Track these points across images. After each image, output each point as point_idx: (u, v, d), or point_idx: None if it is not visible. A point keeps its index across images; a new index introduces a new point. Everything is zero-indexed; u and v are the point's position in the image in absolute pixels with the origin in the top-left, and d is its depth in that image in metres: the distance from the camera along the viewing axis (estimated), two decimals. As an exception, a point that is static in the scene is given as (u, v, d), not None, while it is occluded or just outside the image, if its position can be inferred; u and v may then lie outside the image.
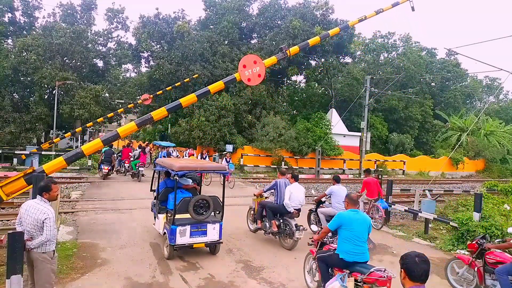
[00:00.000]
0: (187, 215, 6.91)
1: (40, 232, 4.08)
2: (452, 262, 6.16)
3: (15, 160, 20.21)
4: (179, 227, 6.67)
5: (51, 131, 25.36)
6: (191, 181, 8.46)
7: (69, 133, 22.11)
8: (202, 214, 6.89)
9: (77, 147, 32.01)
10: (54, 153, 20.89)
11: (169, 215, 7.05)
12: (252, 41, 33.18)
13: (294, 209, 7.98)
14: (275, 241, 8.16)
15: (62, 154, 7.00)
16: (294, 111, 34.05)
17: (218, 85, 8.01)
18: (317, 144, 26.51)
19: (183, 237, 6.70)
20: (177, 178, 6.95)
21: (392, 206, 10.98)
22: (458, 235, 8.69)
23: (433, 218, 9.64)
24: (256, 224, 8.74)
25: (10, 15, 28.25)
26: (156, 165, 8.24)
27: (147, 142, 30.54)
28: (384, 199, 10.78)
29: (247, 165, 24.82)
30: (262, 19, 30.62)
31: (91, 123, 19.30)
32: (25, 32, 27.95)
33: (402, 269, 2.62)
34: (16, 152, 20.69)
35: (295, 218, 7.97)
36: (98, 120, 20.13)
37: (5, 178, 13.12)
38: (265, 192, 8.92)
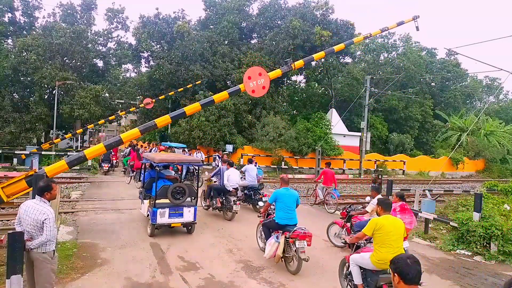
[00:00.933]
0: (167, 200, 8.09)
1: (40, 232, 4.08)
2: (331, 226, 8.33)
3: (15, 160, 20.21)
4: (159, 210, 7.91)
5: (51, 131, 25.34)
6: (173, 172, 10.14)
7: (69, 134, 22.12)
8: (179, 199, 8.16)
9: (77, 147, 32.08)
10: (54, 153, 20.89)
11: (152, 200, 8.17)
12: (252, 41, 33.19)
13: (233, 188, 10.32)
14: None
15: (62, 155, 7.09)
16: (294, 111, 34.06)
17: (223, 95, 8.11)
18: (317, 144, 26.52)
19: (163, 217, 7.97)
20: (157, 169, 8.47)
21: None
22: (458, 235, 8.68)
23: (433, 218, 9.64)
24: (206, 202, 10.90)
25: (10, 15, 28.23)
26: (143, 158, 9.69)
27: (147, 142, 30.55)
28: (337, 189, 12.67)
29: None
30: (262, 19, 30.62)
31: (92, 125, 19.31)
32: (25, 32, 27.93)
33: (395, 274, 2.57)
34: (16, 152, 20.69)
35: (233, 195, 10.23)
36: (99, 122, 20.15)
37: (5, 178, 13.17)
38: (212, 177, 11.12)
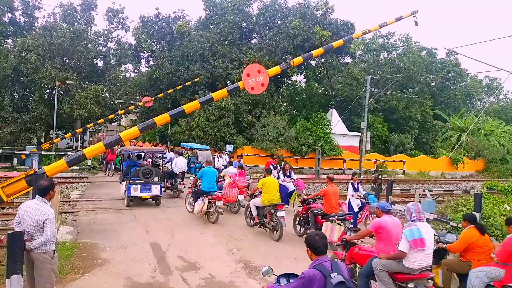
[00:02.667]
0: (141, 180, 10.96)
1: (40, 232, 4.07)
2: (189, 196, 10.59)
3: (15, 160, 20.19)
4: (133, 186, 10.80)
5: (51, 131, 25.31)
6: (145, 162, 13.41)
7: (69, 134, 22.08)
8: (147, 178, 11.04)
9: (77, 147, 32.03)
10: (54, 153, 20.89)
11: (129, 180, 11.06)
12: (252, 41, 33.18)
13: (179, 172, 13.22)
14: (275, 242, 8.20)
15: (62, 154, 7.11)
16: (294, 111, 34.05)
17: (222, 92, 8.07)
18: (317, 144, 26.51)
19: (136, 192, 10.78)
20: (131, 157, 12.08)
21: (392, 206, 10.98)
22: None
23: (433, 218, 9.63)
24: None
25: (10, 15, 28.18)
26: (122, 151, 13.07)
27: (146, 142, 30.53)
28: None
29: (247, 165, 24.78)
30: (262, 19, 30.61)
31: (91, 124, 19.29)
32: (25, 32, 27.89)
33: (308, 248, 3.18)
34: (16, 152, 20.66)
35: (180, 177, 13.24)
36: (98, 121, 20.11)
37: (5, 178, 13.17)
38: (165, 164, 14.03)
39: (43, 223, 4.05)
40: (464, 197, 13.69)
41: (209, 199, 9.45)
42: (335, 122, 28.69)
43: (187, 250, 7.31)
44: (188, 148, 19.63)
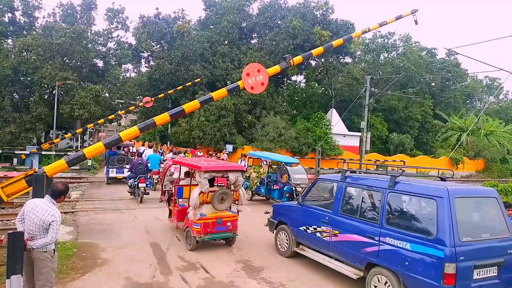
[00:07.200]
0: (116, 165, 15.30)
1: (44, 233, 4.07)
2: None
3: (15, 160, 20.22)
4: (110, 169, 15.32)
5: (51, 131, 25.33)
6: (123, 151, 16.77)
7: (69, 134, 22.09)
8: (121, 164, 15.28)
9: (77, 147, 32.05)
10: (54, 153, 20.90)
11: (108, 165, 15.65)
12: (252, 41, 33.16)
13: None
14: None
15: (62, 154, 7.13)
16: (294, 111, 34.04)
17: (221, 92, 8.03)
18: (317, 144, 26.51)
19: (113, 173, 15.23)
20: (109, 148, 13.66)
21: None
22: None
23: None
24: None
25: (10, 15, 28.18)
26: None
27: (146, 142, 30.52)
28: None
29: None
30: (262, 19, 30.60)
31: (91, 125, 19.30)
32: (25, 32, 27.90)
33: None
34: (16, 152, 20.69)
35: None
36: (98, 122, 20.13)
37: (5, 178, 13.17)
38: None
39: (49, 224, 4.04)
40: (464, 197, 13.64)
41: (152, 173, 13.82)
42: (335, 122, 28.68)
43: (187, 250, 7.31)
44: (266, 159, 13.30)
